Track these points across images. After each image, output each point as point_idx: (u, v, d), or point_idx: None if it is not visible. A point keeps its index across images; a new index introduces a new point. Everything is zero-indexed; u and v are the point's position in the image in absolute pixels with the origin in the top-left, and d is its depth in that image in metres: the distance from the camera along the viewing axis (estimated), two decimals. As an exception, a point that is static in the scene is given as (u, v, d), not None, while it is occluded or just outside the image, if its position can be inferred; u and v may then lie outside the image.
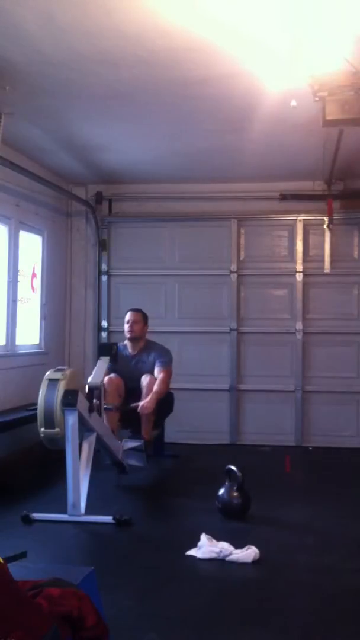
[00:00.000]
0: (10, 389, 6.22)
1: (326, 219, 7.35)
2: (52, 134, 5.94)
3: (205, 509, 4.68)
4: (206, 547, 3.83)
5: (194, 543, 3.91)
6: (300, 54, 3.92)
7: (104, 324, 7.82)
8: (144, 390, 5.92)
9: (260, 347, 7.62)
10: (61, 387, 4.48)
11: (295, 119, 5.06)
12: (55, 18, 3.73)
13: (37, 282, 7.11)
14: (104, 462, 5.47)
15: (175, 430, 7.09)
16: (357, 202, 7.38)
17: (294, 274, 7.55)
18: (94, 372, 5.37)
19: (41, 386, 4.57)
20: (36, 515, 4.50)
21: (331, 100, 4.23)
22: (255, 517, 4.58)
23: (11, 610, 1.67)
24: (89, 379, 5.21)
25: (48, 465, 5.57)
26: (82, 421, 4.61)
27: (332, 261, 7.43)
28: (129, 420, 5.96)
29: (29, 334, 6.93)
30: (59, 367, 4.81)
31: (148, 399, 5.82)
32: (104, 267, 7.85)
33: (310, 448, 7.36)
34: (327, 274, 7.46)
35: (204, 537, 3.90)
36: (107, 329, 7.81)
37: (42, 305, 7.17)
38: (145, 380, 5.97)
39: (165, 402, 6.11)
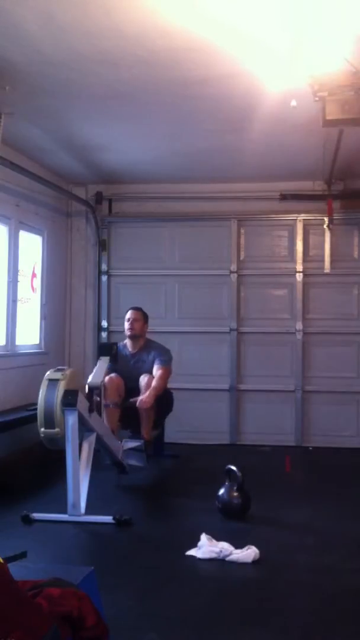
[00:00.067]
0: (10, 389, 6.22)
1: (326, 219, 7.35)
2: (52, 134, 5.94)
3: (205, 509, 4.68)
4: (206, 547, 3.83)
5: (194, 543, 3.91)
6: (300, 54, 3.92)
7: (104, 324, 7.82)
8: (143, 390, 5.92)
9: (260, 347, 7.62)
10: (61, 387, 4.48)
11: (295, 119, 5.06)
12: (55, 18, 3.73)
13: (37, 282, 7.11)
14: (104, 462, 5.47)
15: (175, 430, 7.09)
16: (357, 202, 7.38)
17: (294, 274, 7.55)
18: (94, 372, 5.37)
19: (41, 386, 4.57)
20: (36, 515, 4.50)
21: (331, 100, 4.23)
22: (255, 517, 4.58)
23: (11, 610, 1.67)
24: (89, 379, 5.21)
25: (48, 465, 5.57)
26: (82, 421, 4.61)
27: (332, 261, 7.43)
28: (129, 420, 5.97)
29: (29, 334, 6.93)
30: (59, 367, 4.81)
31: (147, 394, 5.84)
32: (104, 267, 7.85)
33: (310, 448, 7.36)
34: (327, 274, 7.46)
35: (204, 537, 3.90)
36: (107, 329, 7.81)
37: (42, 305, 7.17)
38: (143, 380, 5.98)
39: (164, 402, 6.13)
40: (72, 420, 4.46)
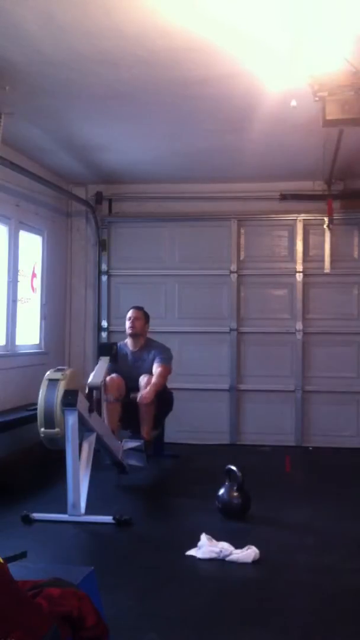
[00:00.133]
0: (10, 389, 6.22)
1: (326, 219, 7.35)
2: (52, 134, 5.94)
3: (205, 509, 4.68)
4: (206, 547, 3.83)
5: (194, 543, 3.91)
6: (300, 54, 3.92)
7: (104, 324, 7.82)
8: (142, 388, 5.92)
9: (260, 347, 7.62)
10: (61, 387, 4.48)
11: (295, 119, 5.06)
12: (55, 18, 3.73)
13: (37, 282, 7.11)
14: (104, 462, 5.48)
15: (175, 430, 7.09)
16: (357, 202, 7.38)
17: (294, 274, 7.55)
18: (94, 372, 5.38)
19: (41, 386, 4.57)
20: (36, 515, 4.50)
21: (331, 100, 4.23)
22: (255, 517, 4.58)
23: (11, 610, 1.67)
24: (89, 379, 5.22)
25: (48, 465, 5.57)
26: (82, 421, 4.61)
27: (332, 261, 7.43)
28: (129, 419, 5.97)
29: (29, 334, 6.93)
30: (59, 367, 4.81)
31: (147, 389, 5.86)
32: (104, 267, 7.86)
33: (310, 448, 7.36)
34: (327, 274, 7.46)
35: (204, 537, 3.90)
36: (107, 329, 7.81)
37: (42, 305, 7.17)
38: (143, 379, 5.98)
39: (164, 401, 6.13)
40: (72, 420, 4.46)
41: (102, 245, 7.85)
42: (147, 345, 6.29)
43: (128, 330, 6.27)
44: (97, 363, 5.74)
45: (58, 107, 5.23)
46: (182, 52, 4.12)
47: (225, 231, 7.67)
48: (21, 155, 6.32)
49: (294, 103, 4.35)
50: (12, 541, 4.02)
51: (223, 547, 3.81)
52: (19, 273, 6.52)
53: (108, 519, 4.45)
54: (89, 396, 4.95)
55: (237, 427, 7.57)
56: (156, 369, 6.06)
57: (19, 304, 6.50)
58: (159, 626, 2.95)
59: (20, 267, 6.54)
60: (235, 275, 7.62)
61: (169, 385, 6.33)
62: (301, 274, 7.53)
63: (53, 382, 4.54)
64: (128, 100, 5.04)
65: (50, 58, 4.26)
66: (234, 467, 4.61)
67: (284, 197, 7.50)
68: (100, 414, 5.14)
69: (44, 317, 7.19)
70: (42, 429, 4.49)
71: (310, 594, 3.35)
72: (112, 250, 7.88)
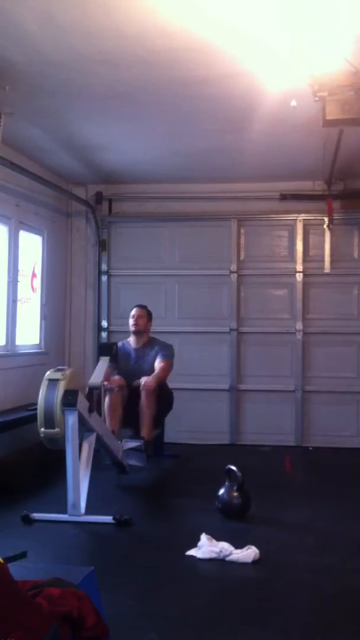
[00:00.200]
0: (10, 389, 6.22)
1: (326, 219, 7.35)
2: (52, 134, 5.94)
3: (205, 509, 4.68)
4: (206, 547, 3.83)
5: (194, 543, 3.91)
6: (300, 54, 3.92)
7: (104, 324, 7.82)
8: (143, 397, 5.91)
9: (260, 347, 7.62)
10: (61, 387, 4.49)
11: (295, 119, 5.06)
12: (55, 18, 3.73)
13: (37, 282, 7.11)
14: (104, 462, 5.47)
15: (175, 430, 7.09)
16: (357, 202, 7.38)
17: (294, 274, 7.55)
18: (94, 372, 5.38)
19: (41, 386, 4.57)
20: (36, 515, 4.50)
21: (331, 100, 4.23)
22: (255, 517, 4.58)
23: (11, 610, 1.67)
24: (90, 379, 5.23)
25: (48, 465, 5.57)
26: (82, 421, 4.61)
27: (332, 261, 7.43)
28: (130, 417, 5.97)
29: (29, 334, 6.93)
30: (59, 367, 4.81)
31: (149, 378, 5.90)
32: (104, 267, 7.86)
33: (310, 448, 7.36)
34: (327, 274, 7.46)
35: (204, 537, 3.90)
36: (107, 329, 7.82)
37: (42, 305, 7.17)
38: (144, 380, 5.98)
39: (165, 400, 6.15)
40: (72, 420, 4.46)
41: (102, 245, 7.85)
42: (150, 342, 6.34)
43: (132, 328, 6.31)
44: (97, 363, 5.75)
45: (58, 107, 5.23)
46: (182, 52, 4.12)
47: (225, 231, 7.67)
48: (21, 155, 6.32)
49: (294, 103, 4.35)
50: (12, 541, 4.02)
51: (223, 547, 3.81)
52: (19, 273, 6.52)
53: (108, 519, 4.45)
54: (89, 396, 4.95)
55: (237, 427, 7.57)
56: (159, 364, 6.12)
57: (19, 304, 6.50)
58: (159, 626, 2.95)
59: (20, 267, 6.54)
60: (235, 275, 7.62)
61: (170, 385, 6.33)
62: (301, 274, 7.53)
63: (53, 382, 4.54)
64: (128, 100, 5.04)
65: (50, 58, 4.26)
66: (234, 467, 4.61)
67: (284, 197, 7.50)
68: (100, 414, 5.14)
69: (44, 317, 7.19)
70: (42, 429, 4.49)
71: (310, 594, 3.35)
72: (112, 250, 7.88)
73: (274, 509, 4.85)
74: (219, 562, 3.74)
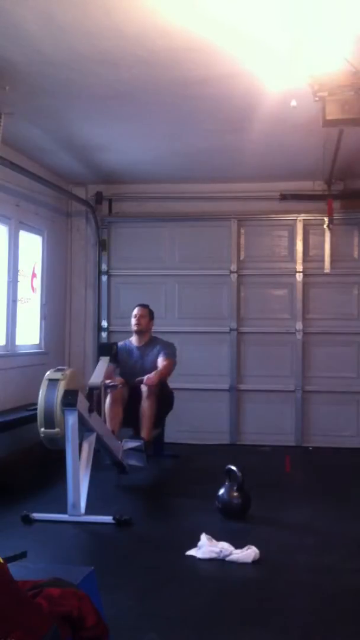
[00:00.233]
0: (10, 389, 6.22)
1: (326, 219, 7.35)
2: (52, 134, 5.94)
3: (205, 509, 4.68)
4: (206, 547, 3.83)
5: (194, 543, 3.91)
6: (300, 54, 3.92)
7: (104, 324, 7.82)
8: (144, 396, 5.92)
9: (260, 347, 7.62)
10: (61, 387, 4.48)
11: (295, 119, 5.06)
12: (55, 18, 3.73)
13: (37, 282, 7.11)
14: (104, 462, 5.47)
15: (175, 430, 7.09)
16: (357, 202, 7.38)
17: (294, 274, 7.55)
18: (94, 372, 5.38)
19: (41, 386, 4.57)
20: (36, 515, 4.50)
21: (331, 100, 4.23)
22: (255, 517, 4.57)
23: (11, 610, 1.67)
24: (90, 379, 5.23)
25: (48, 465, 5.57)
26: (82, 421, 4.61)
27: (332, 261, 7.43)
28: (131, 416, 5.98)
29: (29, 334, 6.93)
30: (59, 367, 4.81)
31: (152, 374, 5.92)
32: (104, 267, 7.86)
33: (310, 448, 7.36)
34: (327, 274, 7.46)
35: (204, 537, 3.90)
36: (107, 329, 7.82)
37: (42, 305, 7.17)
38: (145, 388, 5.98)
39: (165, 400, 6.16)
40: (72, 420, 4.46)
41: (102, 245, 7.85)
42: (152, 341, 6.37)
43: (134, 327, 6.34)
44: (97, 363, 5.75)
45: (58, 107, 5.23)
46: (182, 52, 4.12)
47: (225, 231, 7.67)
48: (21, 155, 6.32)
49: (294, 103, 4.35)
50: (12, 541, 4.02)
51: (223, 547, 3.81)
52: (19, 273, 6.52)
53: (108, 519, 4.45)
54: (89, 396, 4.95)
55: (237, 427, 7.57)
56: (162, 362, 6.14)
57: (19, 304, 6.50)
58: (159, 626, 2.95)
59: (20, 267, 6.54)
60: (235, 275, 7.62)
61: (170, 384, 6.34)
62: (301, 274, 7.53)
63: (53, 382, 4.54)
64: (128, 100, 5.04)
65: (50, 58, 4.26)
66: (234, 467, 4.61)
67: (284, 197, 7.50)
68: (100, 414, 5.14)
69: (44, 317, 7.19)
70: (42, 429, 4.49)
71: (310, 594, 3.35)
72: (112, 250, 7.88)
73: (274, 509, 4.85)
74: (219, 562, 3.74)
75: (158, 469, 6.23)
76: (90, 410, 4.75)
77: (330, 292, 7.53)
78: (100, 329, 7.82)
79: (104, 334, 7.80)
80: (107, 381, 5.72)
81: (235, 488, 4.58)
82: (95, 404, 4.93)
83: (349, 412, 7.44)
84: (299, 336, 7.52)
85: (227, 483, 4.62)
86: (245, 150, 6.28)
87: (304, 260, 7.54)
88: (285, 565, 3.77)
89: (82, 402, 4.61)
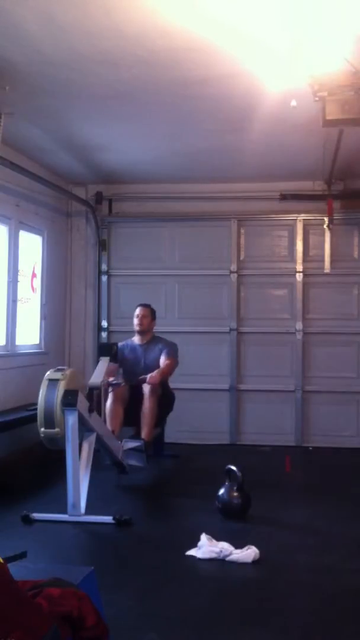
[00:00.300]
0: (10, 389, 6.22)
1: (326, 219, 7.35)
2: (52, 134, 5.94)
3: (205, 509, 4.68)
4: (206, 547, 3.83)
5: (194, 543, 3.91)
6: (300, 54, 3.92)
7: (104, 324, 7.82)
8: (146, 398, 5.92)
9: (260, 347, 7.62)
10: (61, 387, 4.48)
11: (295, 119, 5.06)
12: (55, 18, 3.73)
13: (37, 282, 7.11)
14: (104, 462, 5.47)
15: (175, 430, 7.09)
16: (357, 202, 7.38)
17: (294, 274, 7.55)
18: (94, 372, 5.39)
19: (41, 386, 4.57)
20: (36, 515, 4.50)
21: (331, 100, 4.23)
22: (255, 517, 4.57)
23: (11, 610, 1.67)
24: (90, 379, 5.23)
25: (48, 465, 5.57)
26: (82, 421, 4.61)
27: (332, 261, 7.43)
28: (131, 417, 5.99)
29: (29, 334, 6.93)
30: (59, 367, 4.81)
31: (154, 372, 5.95)
32: (104, 267, 7.86)
33: (310, 448, 7.36)
34: (327, 274, 7.46)
35: (204, 537, 3.90)
36: (107, 329, 7.82)
37: (42, 305, 7.17)
38: (147, 387, 5.99)
39: (166, 400, 6.17)
40: (72, 420, 4.46)
41: (102, 245, 7.85)
42: (154, 339, 6.42)
43: (136, 327, 6.37)
44: (97, 363, 5.75)
45: (58, 107, 5.23)
46: (182, 52, 4.12)
47: (225, 231, 7.67)
48: (21, 155, 6.32)
49: (294, 103, 4.35)
50: (12, 541, 4.02)
51: (223, 547, 3.81)
52: (19, 273, 6.52)
53: (108, 519, 4.45)
54: (89, 396, 4.95)
55: (237, 427, 7.57)
56: (164, 361, 6.17)
57: (19, 304, 6.50)
58: (159, 626, 2.95)
59: (20, 267, 6.54)
60: (235, 275, 7.62)
61: (170, 384, 6.35)
62: (301, 274, 7.53)
63: (53, 382, 4.54)
64: (128, 100, 5.04)
65: (50, 58, 4.26)
66: (234, 467, 4.61)
67: (284, 197, 7.50)
68: (100, 414, 5.14)
69: (44, 317, 7.19)
70: (42, 429, 4.49)
71: (310, 594, 3.35)
72: (112, 250, 7.88)
73: (274, 509, 4.85)
74: (219, 562, 3.74)
75: (158, 469, 6.23)
76: (90, 410, 4.75)
77: (330, 292, 7.53)
78: (100, 329, 7.83)
79: (104, 334, 7.80)
80: (111, 379, 5.78)
81: (235, 488, 4.58)
82: (95, 404, 4.93)
83: (349, 412, 7.44)
84: (299, 336, 7.52)
85: (227, 483, 4.62)
86: (245, 150, 6.28)
87: (304, 260, 7.54)
88: (285, 565, 3.77)
89: (82, 402, 4.61)
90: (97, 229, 7.84)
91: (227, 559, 3.75)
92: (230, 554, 3.77)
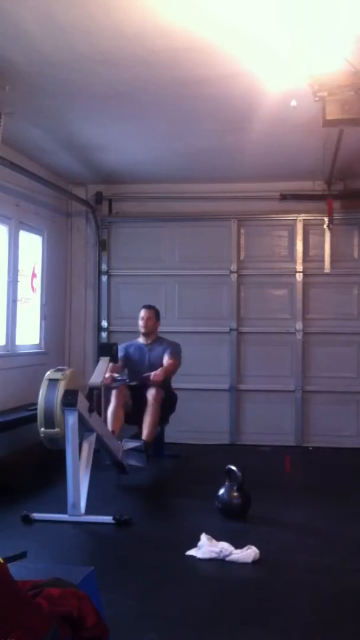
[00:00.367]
0: (10, 389, 6.22)
1: (326, 219, 7.35)
2: (52, 134, 5.94)
3: (205, 509, 4.68)
4: (206, 547, 3.83)
5: (194, 543, 3.91)
6: (300, 54, 3.92)
7: (104, 324, 7.82)
8: (150, 401, 5.93)
9: (260, 347, 7.62)
10: (61, 387, 4.48)
11: (295, 119, 5.06)
12: (55, 18, 3.73)
13: (37, 282, 7.11)
14: (104, 462, 5.47)
15: (175, 430, 7.09)
16: (357, 202, 7.38)
17: (294, 274, 7.55)
18: (94, 372, 5.39)
19: (41, 386, 4.57)
20: (36, 515, 4.50)
21: (331, 100, 4.23)
22: (255, 517, 4.57)
23: (11, 610, 1.67)
24: (90, 379, 5.24)
25: (48, 465, 5.57)
26: (82, 421, 4.61)
27: (332, 261, 7.43)
28: (134, 416, 6.00)
29: (29, 334, 6.93)
30: (59, 367, 4.81)
31: (158, 371, 6.02)
32: (104, 267, 7.86)
33: (310, 448, 7.36)
34: (327, 274, 7.46)
35: (204, 537, 3.90)
36: (107, 329, 7.82)
37: (42, 305, 7.17)
38: (151, 393, 5.99)
39: (169, 400, 6.17)
40: (72, 420, 4.46)
41: (102, 245, 7.85)
42: (158, 339, 6.49)
43: (141, 330, 6.43)
44: (97, 363, 5.75)
45: (58, 107, 5.23)
46: (182, 52, 4.12)
47: (225, 231, 7.67)
48: (21, 155, 6.32)
49: (294, 103, 4.35)
50: (12, 541, 4.02)
51: (223, 547, 3.81)
52: (19, 273, 6.52)
53: (108, 519, 4.45)
54: (89, 396, 4.95)
55: (237, 427, 7.57)
56: (167, 360, 6.23)
57: (19, 304, 6.50)
58: (159, 626, 2.95)
59: (20, 267, 6.54)
60: (235, 275, 7.62)
61: (173, 385, 6.37)
62: (301, 274, 7.53)
63: (53, 382, 4.54)
64: (128, 100, 5.04)
65: (50, 58, 4.26)
66: (234, 467, 4.61)
67: (284, 197, 7.50)
68: (100, 414, 5.14)
69: (44, 317, 7.19)
70: (42, 429, 4.49)
71: (310, 594, 3.35)
72: (112, 250, 7.88)
73: (274, 509, 4.85)
74: (219, 562, 3.74)
75: (158, 469, 6.23)
76: (90, 410, 4.75)
77: (330, 292, 7.53)
78: (100, 329, 7.83)
79: (104, 334, 7.80)
80: (116, 375, 5.88)
81: (235, 488, 4.58)
82: (95, 404, 4.93)
83: (349, 412, 7.44)
84: (299, 336, 7.51)
85: (227, 483, 4.62)
86: (245, 150, 6.28)
87: (304, 260, 7.54)
88: (285, 565, 3.77)
89: (82, 402, 4.61)
90: (97, 229, 7.84)
91: (227, 559, 3.75)
92: (230, 554, 3.77)
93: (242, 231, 7.67)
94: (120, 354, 6.15)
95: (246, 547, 3.80)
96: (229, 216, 7.62)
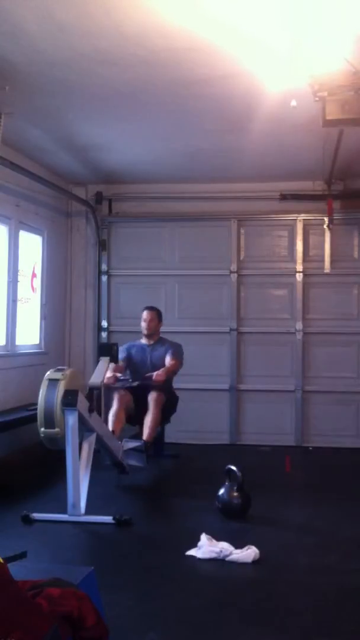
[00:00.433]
0: (10, 389, 6.22)
1: (326, 219, 7.36)
2: (52, 134, 5.94)
3: (205, 509, 4.68)
4: (206, 547, 3.83)
5: (194, 543, 3.91)
6: (300, 54, 3.92)
7: (104, 324, 7.82)
8: (151, 404, 5.93)
9: (260, 347, 7.62)
10: (61, 387, 4.48)
11: (295, 119, 5.06)
12: (55, 18, 3.73)
13: (37, 282, 7.11)
14: (104, 462, 5.47)
15: (176, 430, 7.09)
16: (357, 202, 7.38)
17: (294, 274, 7.55)
18: (94, 372, 5.39)
19: (41, 386, 4.57)
20: (36, 515, 4.50)
21: (331, 100, 4.23)
22: (255, 517, 4.57)
23: (11, 610, 1.67)
24: (90, 379, 5.24)
25: (48, 465, 5.57)
26: (82, 421, 4.61)
27: (332, 261, 7.43)
28: (135, 416, 6.00)
29: (29, 334, 6.93)
30: (59, 367, 4.81)
31: (160, 370, 6.06)
32: (104, 267, 7.86)
33: (310, 448, 7.36)
34: (327, 274, 7.46)
35: (204, 537, 3.90)
36: (107, 329, 7.82)
37: (42, 305, 7.17)
38: (152, 396, 6.00)
39: (170, 402, 6.19)
40: (72, 420, 4.46)
41: (102, 245, 7.85)
42: (160, 340, 6.52)
43: (144, 331, 6.47)
44: (97, 363, 5.75)
45: (58, 107, 5.23)
46: (183, 52, 4.12)
47: (225, 231, 7.67)
48: (21, 155, 6.32)
49: (294, 103, 4.35)
50: (12, 541, 4.02)
51: (223, 547, 3.80)
52: (19, 273, 6.52)
53: (108, 519, 4.45)
54: (89, 396, 4.95)
55: (237, 427, 7.57)
56: (169, 361, 6.26)
57: (19, 304, 6.50)
58: (159, 626, 2.95)
59: (20, 267, 6.54)
60: (235, 275, 7.62)
61: (174, 386, 6.37)
62: (301, 274, 7.53)
63: (53, 382, 4.54)
64: (128, 100, 5.04)
65: (50, 58, 4.26)
66: (234, 467, 4.61)
67: (284, 197, 7.51)
68: (100, 414, 5.14)
69: (44, 317, 7.19)
70: (42, 429, 4.49)
71: (310, 594, 3.35)
72: (112, 250, 7.88)
73: (274, 509, 4.85)
74: (219, 562, 3.74)
75: (158, 469, 6.23)
76: (90, 410, 4.75)
77: (330, 292, 7.53)
78: (100, 329, 7.83)
79: (104, 334, 7.80)
80: (118, 375, 5.93)
81: (235, 488, 4.58)
82: (95, 404, 4.93)
83: (349, 412, 7.44)
84: (299, 336, 7.51)
85: (227, 483, 4.62)
86: (245, 150, 6.28)
87: (304, 260, 7.54)
88: (285, 565, 3.77)
89: (82, 402, 4.61)
90: (97, 229, 7.84)
91: (227, 559, 3.75)
92: (230, 554, 3.77)
93: (242, 231, 7.67)
94: (123, 354, 6.17)
95: (246, 547, 3.80)
96: (229, 216, 7.62)
